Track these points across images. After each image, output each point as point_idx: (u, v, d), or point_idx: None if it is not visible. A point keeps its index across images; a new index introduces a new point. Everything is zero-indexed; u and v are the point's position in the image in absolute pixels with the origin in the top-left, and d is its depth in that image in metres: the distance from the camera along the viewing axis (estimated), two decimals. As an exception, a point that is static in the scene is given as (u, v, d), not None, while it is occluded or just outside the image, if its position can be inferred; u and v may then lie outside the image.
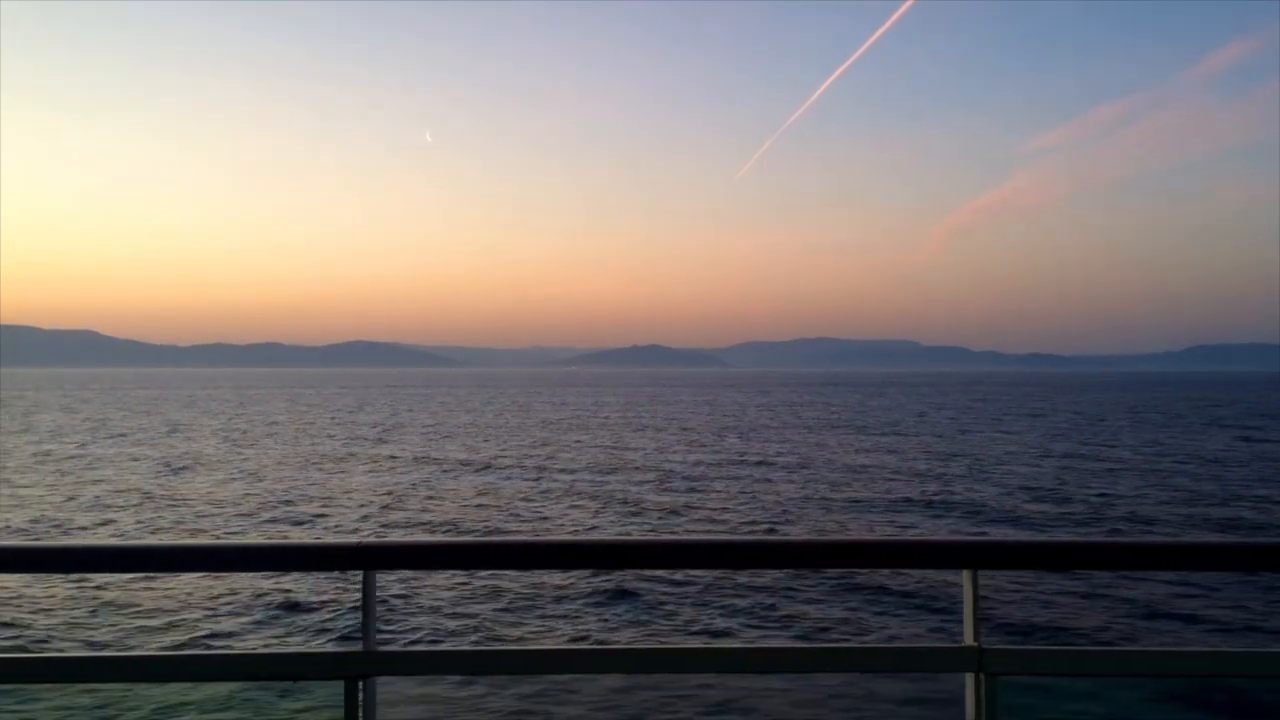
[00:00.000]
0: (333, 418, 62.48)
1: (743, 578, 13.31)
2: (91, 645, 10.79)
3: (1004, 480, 26.84)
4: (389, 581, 12.85)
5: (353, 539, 2.48)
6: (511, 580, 13.40)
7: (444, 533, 18.88)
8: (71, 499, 23.40)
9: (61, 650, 10.18)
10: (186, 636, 11.16)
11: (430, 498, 23.71)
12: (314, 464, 31.95)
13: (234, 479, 27.71)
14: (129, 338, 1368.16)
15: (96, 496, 23.81)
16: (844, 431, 48.37)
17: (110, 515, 20.97)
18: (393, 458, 34.25)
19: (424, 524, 20.03)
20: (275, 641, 10.89)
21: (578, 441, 42.30)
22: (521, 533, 19.07)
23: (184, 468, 30.82)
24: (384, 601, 12.25)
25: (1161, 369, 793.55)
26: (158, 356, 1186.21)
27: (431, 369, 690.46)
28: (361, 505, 22.52)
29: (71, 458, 33.96)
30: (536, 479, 27.64)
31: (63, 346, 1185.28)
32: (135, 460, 33.12)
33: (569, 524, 20.08)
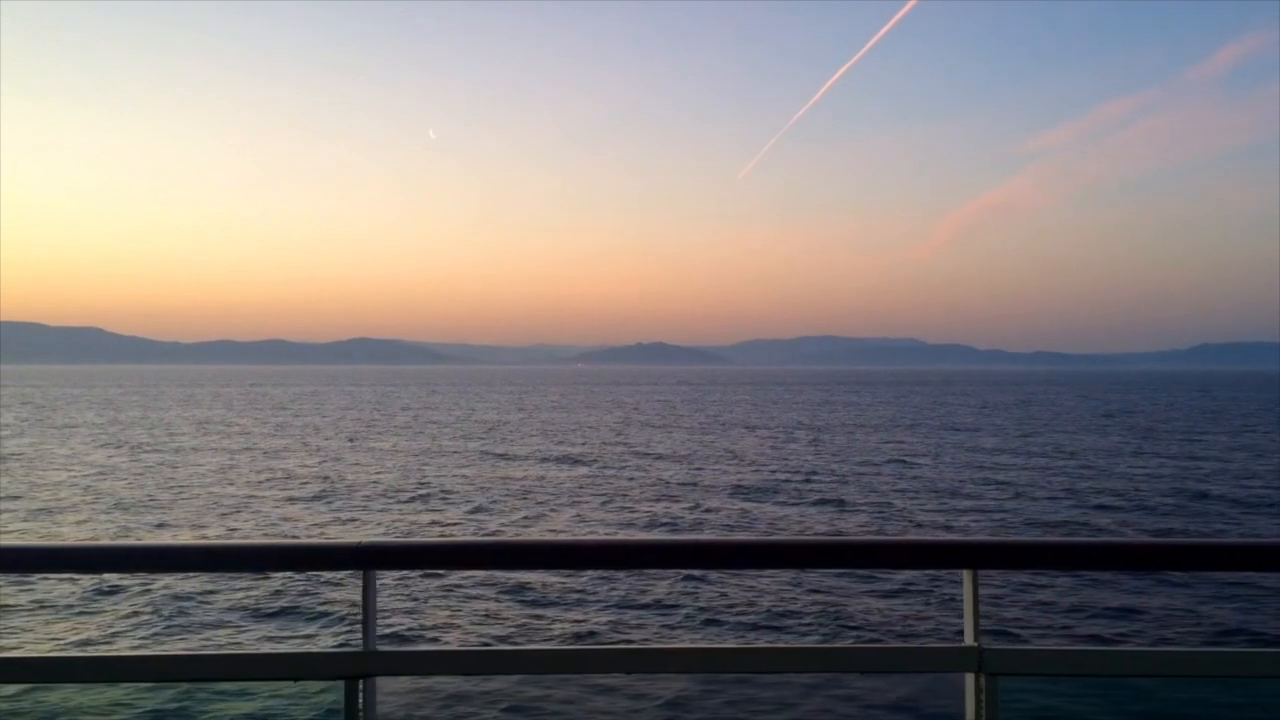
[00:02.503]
0: (414, 415, 63.45)
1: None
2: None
3: (1157, 484, 27.73)
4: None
5: (353, 539, 2.55)
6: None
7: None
8: (288, 495, 24.43)
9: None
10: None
11: (636, 493, 24.65)
12: (468, 458, 32.92)
13: (407, 470, 28.66)
14: (135, 335, 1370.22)
15: (318, 492, 24.84)
16: (930, 430, 49.20)
17: (351, 511, 21.99)
18: (549, 457, 35.19)
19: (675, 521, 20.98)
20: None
21: (689, 440, 43.19)
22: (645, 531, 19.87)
23: (350, 461, 31.81)
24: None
25: (1169, 368, 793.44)
26: (163, 354, 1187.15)
27: (443, 367, 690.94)
28: (577, 500, 23.48)
29: (238, 452, 34.97)
30: (698, 473, 28.59)
31: (69, 344, 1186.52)
32: (280, 456, 34.09)
33: (781, 524, 21.02)
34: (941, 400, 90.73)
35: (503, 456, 35.06)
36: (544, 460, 33.74)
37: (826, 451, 37.18)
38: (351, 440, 42.62)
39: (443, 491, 25.19)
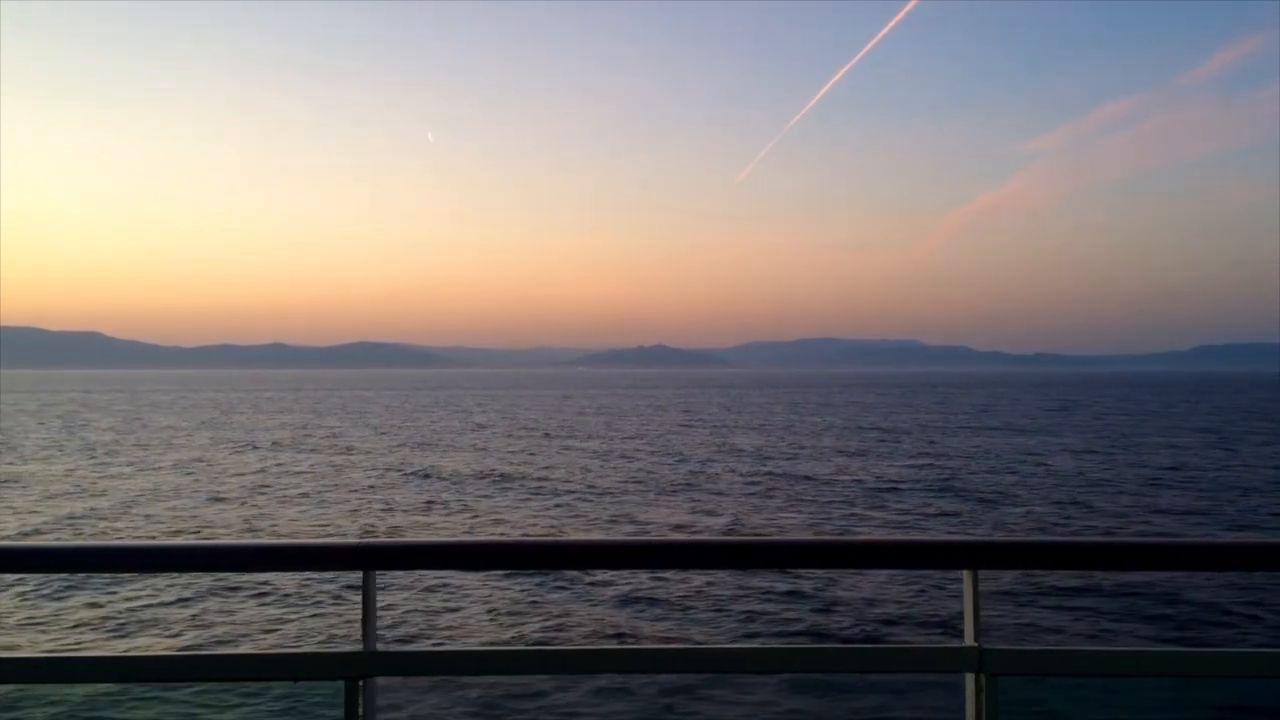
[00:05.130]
0: (492, 417, 64.54)
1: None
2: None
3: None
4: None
5: (353, 539, 2.60)
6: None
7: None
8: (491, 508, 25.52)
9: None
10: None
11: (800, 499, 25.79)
12: (610, 458, 33.99)
13: (588, 469, 29.78)
14: (135, 339, 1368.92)
15: (557, 489, 25.97)
16: (1018, 431, 50.41)
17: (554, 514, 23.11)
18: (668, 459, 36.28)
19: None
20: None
21: (791, 441, 44.23)
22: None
23: (512, 462, 32.93)
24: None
25: (1170, 369, 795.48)
26: (164, 358, 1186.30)
27: (448, 370, 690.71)
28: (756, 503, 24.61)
29: (385, 452, 36.06)
30: (840, 472, 29.72)
31: (69, 348, 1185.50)
32: (437, 454, 35.19)
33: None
34: (989, 403, 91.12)
35: (643, 454, 36.13)
36: (683, 461, 34.80)
37: (944, 452, 38.29)
38: (473, 446, 43.68)
39: (656, 487, 26.35)
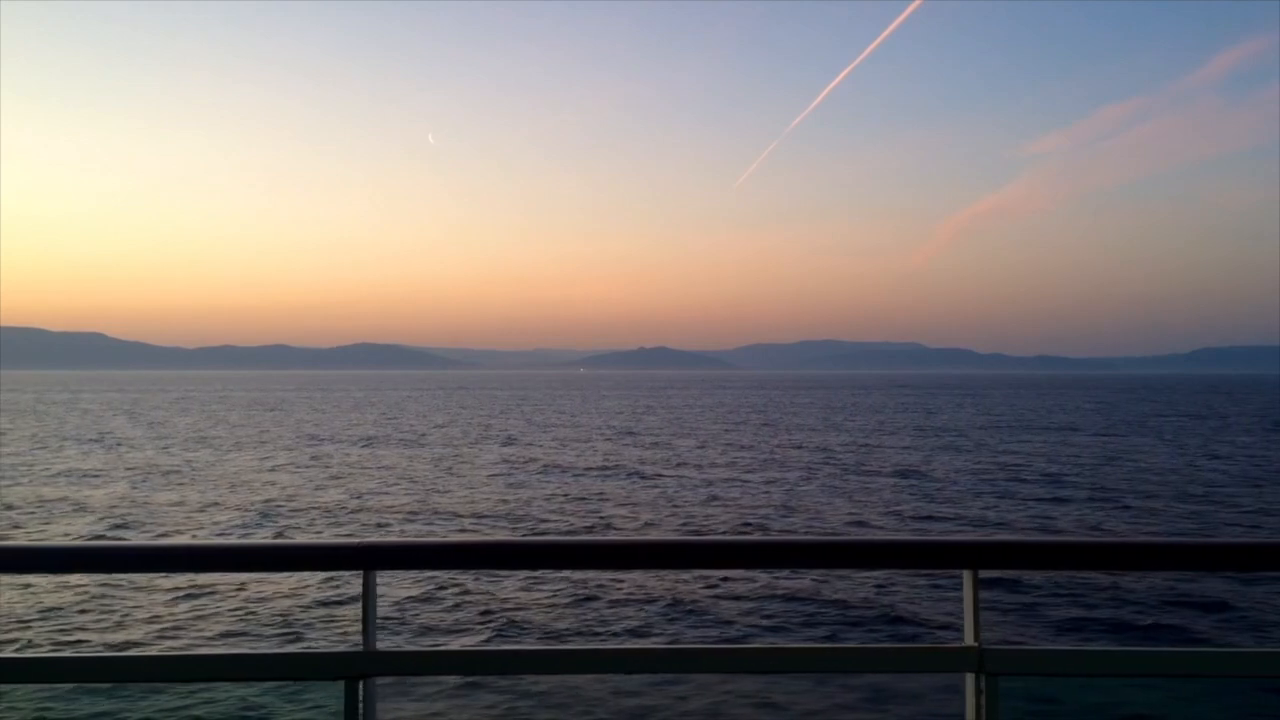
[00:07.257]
0: (548, 421, 65.31)
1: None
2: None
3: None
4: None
5: (353, 539, 2.56)
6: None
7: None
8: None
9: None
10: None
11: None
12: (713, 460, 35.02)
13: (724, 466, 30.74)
14: (136, 340, 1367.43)
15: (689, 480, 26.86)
16: (1085, 433, 51.43)
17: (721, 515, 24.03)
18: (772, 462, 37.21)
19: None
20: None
21: (865, 440, 45.15)
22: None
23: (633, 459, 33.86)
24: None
25: (1169, 372, 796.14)
26: (164, 359, 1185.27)
27: (449, 372, 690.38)
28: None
29: (484, 443, 36.97)
30: (933, 472, 30.65)
31: (70, 349, 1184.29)
32: (512, 455, 36.11)
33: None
34: (1023, 403, 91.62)
35: (736, 450, 37.06)
36: (785, 460, 35.71)
37: (1032, 451, 39.17)
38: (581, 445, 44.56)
39: (790, 484, 27.29)
